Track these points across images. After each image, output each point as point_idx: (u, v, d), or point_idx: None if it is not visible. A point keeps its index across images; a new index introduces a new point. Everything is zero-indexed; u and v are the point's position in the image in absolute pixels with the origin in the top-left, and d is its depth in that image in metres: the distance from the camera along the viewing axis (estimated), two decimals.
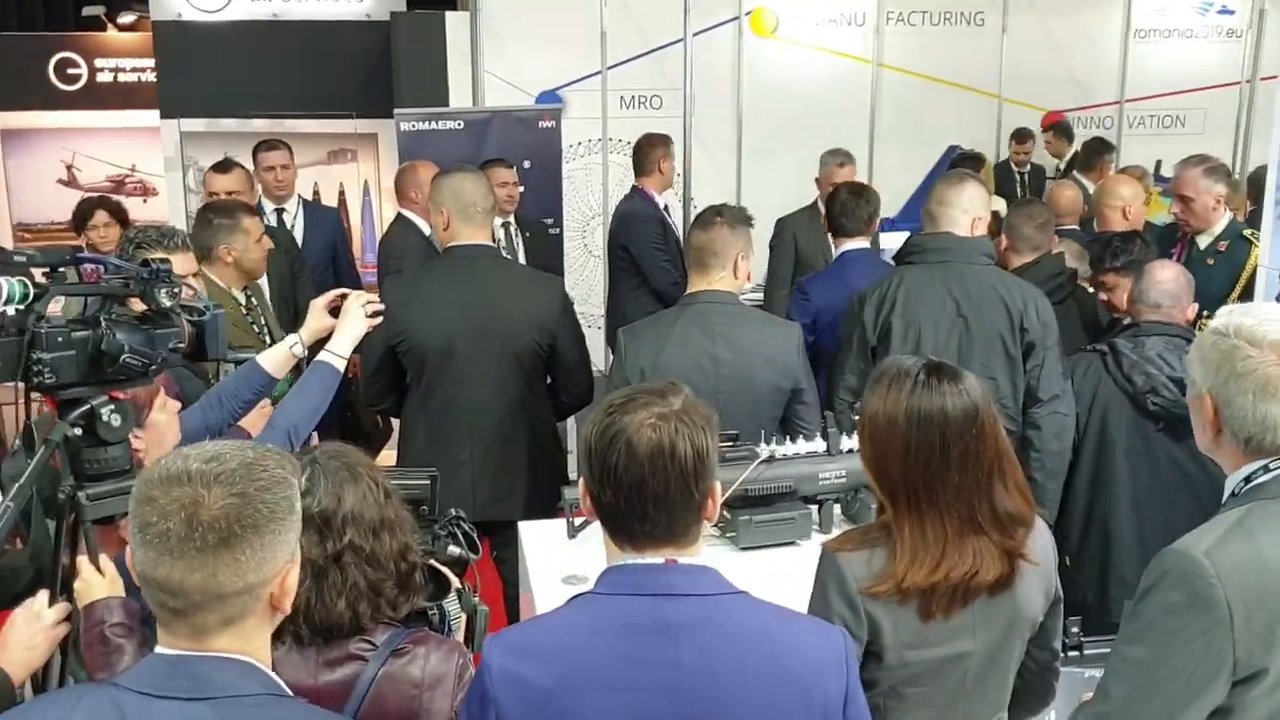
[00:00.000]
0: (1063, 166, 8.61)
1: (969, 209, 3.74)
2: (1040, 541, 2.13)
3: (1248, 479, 1.88)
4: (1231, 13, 9.02)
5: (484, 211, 3.86)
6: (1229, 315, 1.92)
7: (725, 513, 3.13)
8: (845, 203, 4.67)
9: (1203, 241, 4.56)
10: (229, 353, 3.52)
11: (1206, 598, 1.74)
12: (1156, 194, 7.25)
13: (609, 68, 8.58)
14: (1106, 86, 9.11)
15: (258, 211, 4.44)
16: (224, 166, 5.28)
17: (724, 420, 3.20)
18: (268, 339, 4.18)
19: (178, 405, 2.57)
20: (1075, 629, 2.80)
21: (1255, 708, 1.79)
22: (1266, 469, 1.86)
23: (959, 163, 7.36)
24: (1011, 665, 2.15)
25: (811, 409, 3.46)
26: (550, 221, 6.36)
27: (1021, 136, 8.67)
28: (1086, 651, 2.74)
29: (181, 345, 2.26)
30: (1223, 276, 4.43)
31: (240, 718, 1.42)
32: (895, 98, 8.79)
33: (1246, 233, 4.45)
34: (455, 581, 2.20)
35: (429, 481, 2.33)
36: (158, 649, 1.46)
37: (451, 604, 2.15)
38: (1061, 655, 2.61)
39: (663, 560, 1.68)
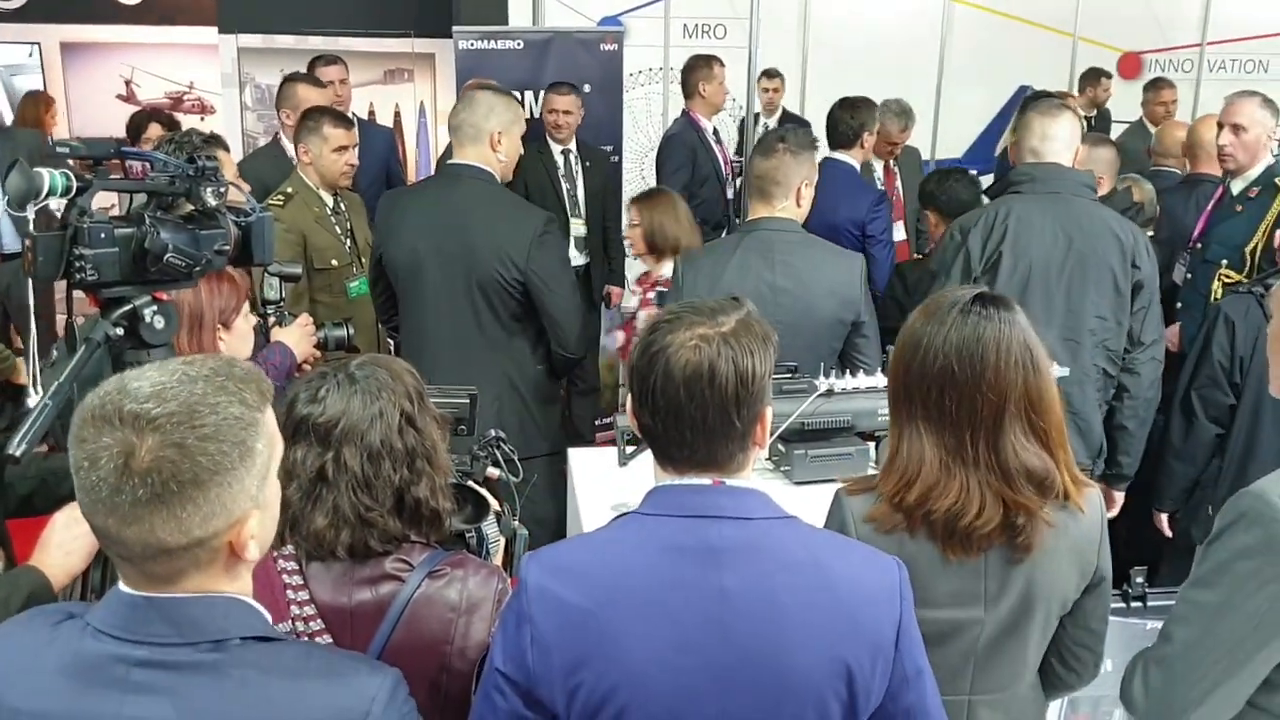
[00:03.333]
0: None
1: (1070, 141, 3.54)
2: (1087, 517, 1.98)
3: None
4: None
5: (475, 131, 3.68)
6: None
7: (780, 446, 3.05)
8: (835, 115, 5.03)
9: (1236, 187, 4.33)
10: (276, 266, 3.55)
11: None
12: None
13: None
14: (1188, 27, 8.78)
15: (350, 124, 4.39)
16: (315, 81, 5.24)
17: (783, 352, 3.18)
18: (348, 245, 4.31)
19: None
20: (1140, 579, 2.71)
21: None
22: None
23: (1030, 103, 7.09)
24: (1031, 640, 2.02)
25: (871, 343, 3.35)
26: (610, 149, 6.23)
27: (1094, 77, 8.35)
28: (1150, 603, 2.65)
29: (227, 247, 2.19)
30: (1246, 223, 4.22)
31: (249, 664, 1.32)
32: (966, 34, 8.53)
33: (1279, 179, 4.22)
34: (495, 504, 2.13)
35: (468, 400, 2.25)
36: (120, 585, 1.35)
37: (490, 527, 2.09)
38: (1123, 608, 2.53)
39: (709, 481, 1.59)
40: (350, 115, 5.67)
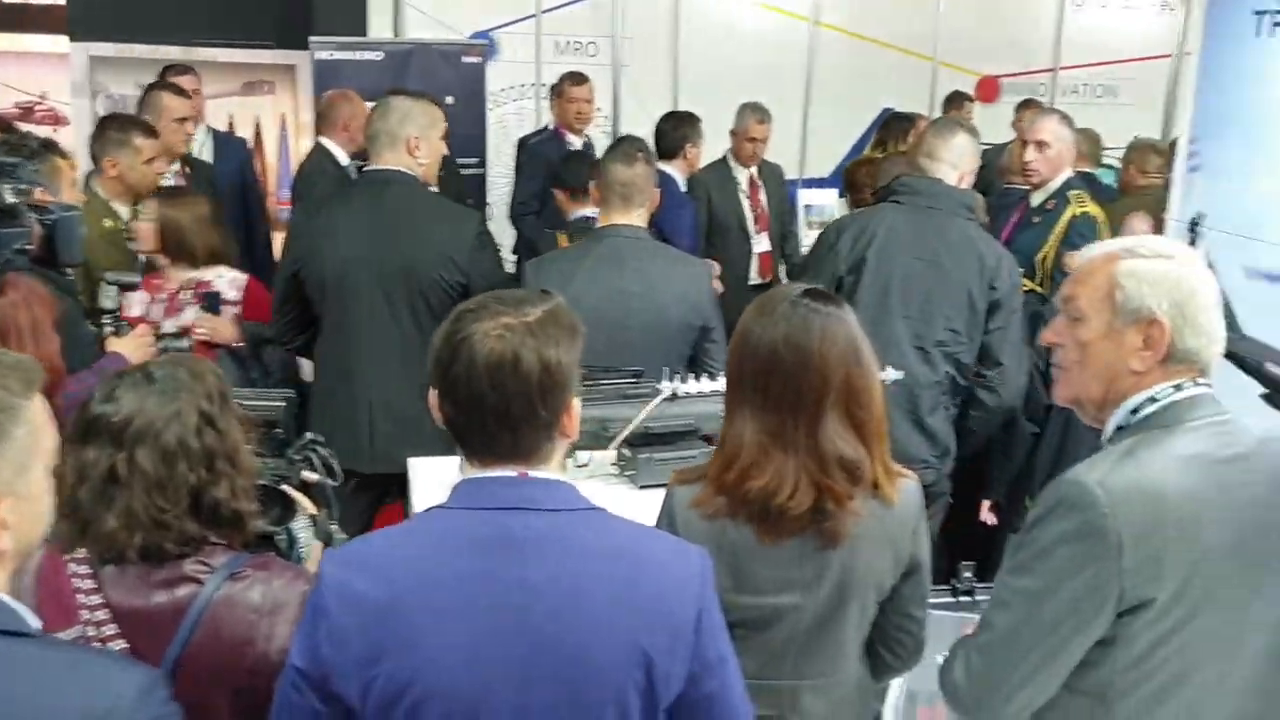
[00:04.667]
0: None
1: (958, 164, 3.69)
2: (902, 503, 2.06)
3: (1134, 410, 1.83)
4: None
5: (390, 138, 3.62)
6: (1127, 242, 1.88)
7: (625, 450, 3.05)
8: (660, 127, 5.42)
9: (1035, 200, 4.48)
10: (114, 274, 3.41)
11: (1098, 528, 1.70)
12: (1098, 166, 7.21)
13: (544, 11, 8.44)
14: (1042, 52, 9.09)
15: (154, 134, 4.22)
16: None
17: (633, 356, 3.22)
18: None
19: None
20: (968, 574, 2.78)
21: (1138, 639, 1.74)
22: (1153, 399, 1.82)
23: (890, 123, 7.28)
24: (849, 626, 2.08)
25: (720, 347, 3.38)
26: (476, 161, 6.19)
27: (957, 100, 8.59)
28: (979, 598, 2.71)
29: (29, 246, 2.10)
30: (1040, 234, 4.36)
31: None
32: (831, 57, 8.69)
33: (1072, 193, 4.38)
34: (309, 506, 2.08)
35: (283, 403, 2.20)
36: None
37: (304, 530, 2.03)
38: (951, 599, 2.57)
39: (515, 473, 1.57)
40: (206, 127, 5.57)
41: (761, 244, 6.00)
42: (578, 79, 6.25)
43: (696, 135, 5.52)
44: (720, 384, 3.07)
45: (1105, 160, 7.18)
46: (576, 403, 1.64)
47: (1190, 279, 1.81)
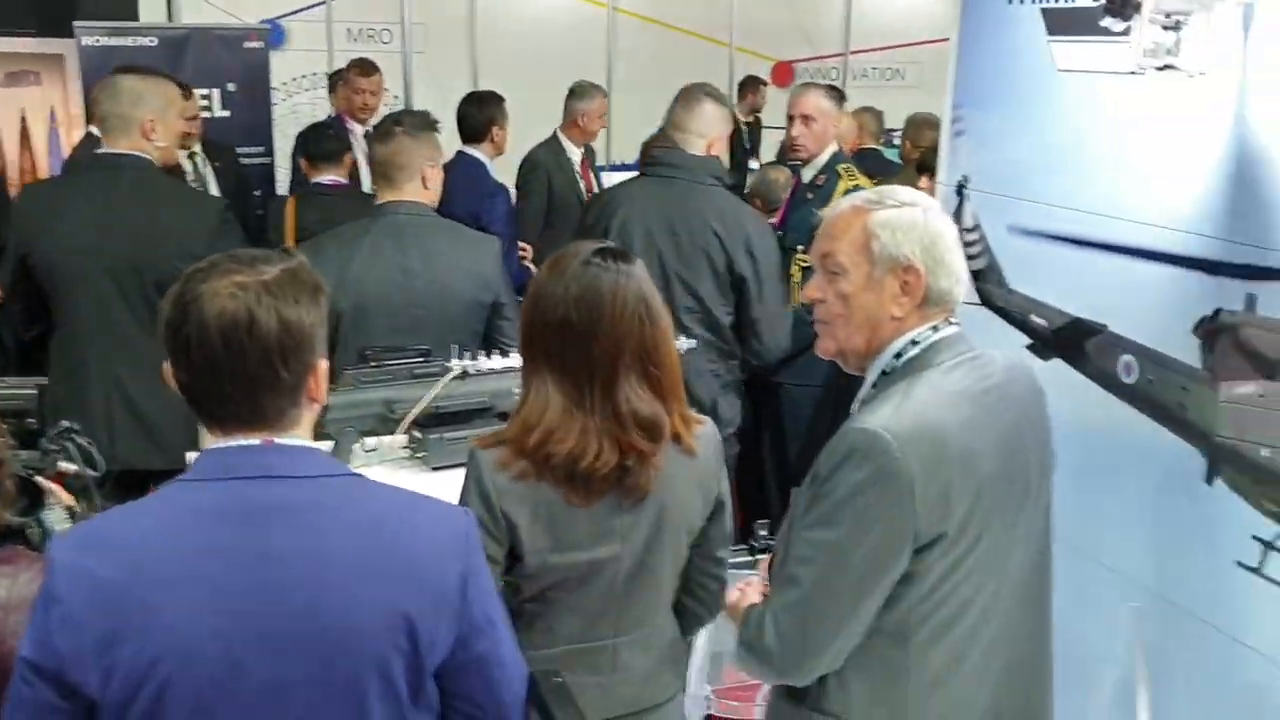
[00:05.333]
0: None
1: (705, 132, 3.75)
2: (703, 448, 2.09)
3: (898, 355, 1.89)
4: None
5: (123, 122, 3.42)
6: (869, 194, 1.94)
7: (416, 432, 2.97)
8: (463, 110, 5.21)
9: (807, 175, 4.59)
10: None
11: (892, 471, 1.74)
12: (882, 144, 7.47)
13: None
14: (832, 39, 9.39)
15: None
16: None
17: (421, 336, 3.14)
18: None
19: None
20: (764, 532, 2.82)
21: (931, 572, 1.80)
22: (914, 343, 1.88)
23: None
24: (665, 572, 2.10)
25: (514, 324, 3.34)
26: (261, 150, 5.97)
27: (752, 84, 8.79)
28: None
29: None
30: (813, 210, 4.42)
31: None
32: (631, 43, 8.78)
33: (841, 167, 4.52)
34: (65, 498, 1.95)
35: (36, 391, 2.06)
36: None
37: (62, 523, 1.90)
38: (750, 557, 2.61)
39: (259, 441, 1.50)
40: None
41: None
42: (366, 68, 6.09)
43: (503, 116, 5.34)
44: (513, 360, 3.03)
45: (895, 142, 7.47)
46: (323, 364, 1.57)
47: (934, 223, 1.89)
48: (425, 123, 3.27)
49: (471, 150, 5.24)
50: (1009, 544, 1.89)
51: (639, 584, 2.06)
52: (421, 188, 3.23)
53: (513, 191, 5.49)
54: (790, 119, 4.52)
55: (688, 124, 3.74)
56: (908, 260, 1.85)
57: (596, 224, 3.70)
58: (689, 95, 3.85)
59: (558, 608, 2.03)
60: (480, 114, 5.25)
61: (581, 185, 5.99)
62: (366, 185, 4.96)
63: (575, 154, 6.00)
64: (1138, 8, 2.13)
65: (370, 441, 2.94)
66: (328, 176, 4.77)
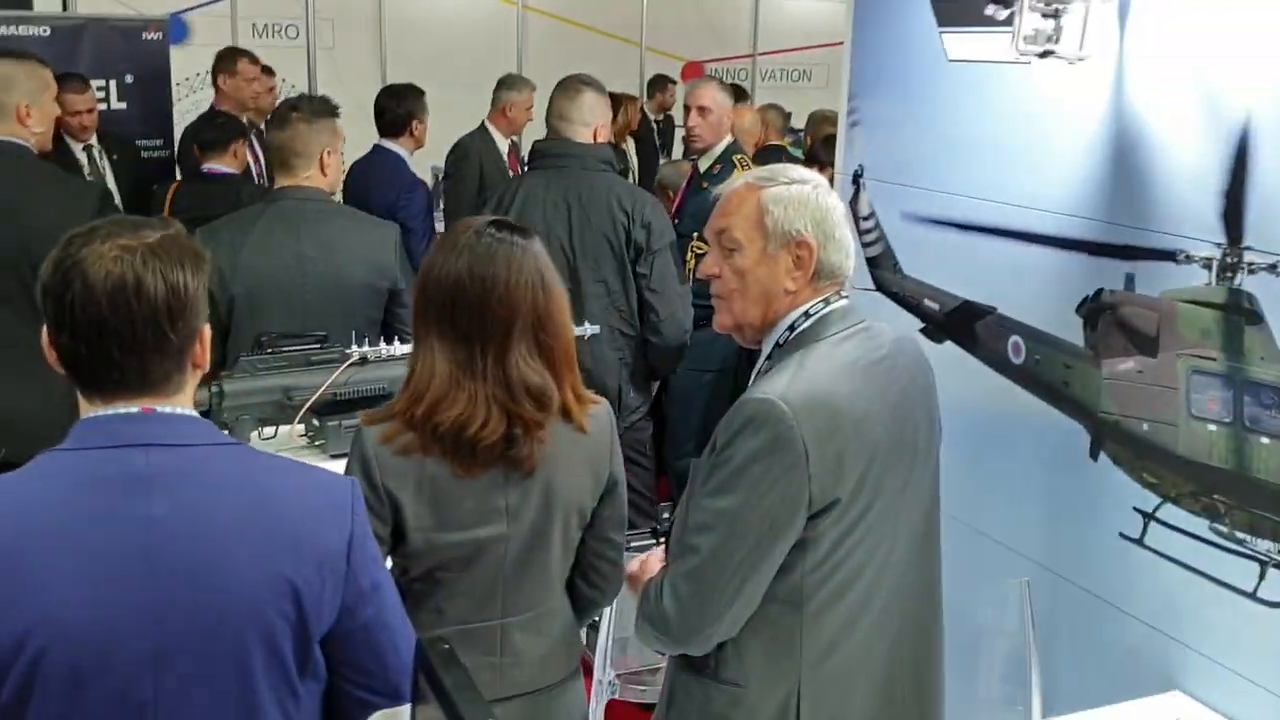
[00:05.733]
0: None
1: (589, 120, 3.84)
2: (595, 426, 2.10)
3: (791, 327, 1.93)
4: None
5: None
6: (761, 172, 1.99)
7: (314, 419, 2.95)
8: (382, 103, 5.17)
9: (703, 164, 4.70)
10: None
11: (787, 439, 1.77)
12: (788, 143, 7.57)
13: None
14: (741, 40, 9.49)
15: None
16: None
17: (316, 322, 3.12)
18: None
19: None
20: (667, 514, 2.83)
21: (824, 538, 1.84)
22: (807, 315, 1.93)
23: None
24: (555, 553, 2.10)
25: (411, 311, 3.33)
26: (160, 143, 5.85)
27: (661, 83, 8.84)
28: None
29: None
30: (709, 198, 4.59)
31: None
32: (541, 42, 8.78)
33: (736, 157, 4.64)
34: None
35: None
36: None
37: None
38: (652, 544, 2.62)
39: (139, 409, 1.48)
40: None
41: None
42: (251, 57, 5.99)
43: (423, 110, 5.28)
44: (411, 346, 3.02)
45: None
46: (207, 330, 1.56)
47: (825, 199, 1.93)
48: (324, 108, 3.24)
49: (389, 144, 5.18)
50: (899, 508, 1.94)
51: (529, 565, 2.06)
52: (320, 174, 3.20)
53: (431, 184, 5.46)
54: (687, 110, 4.67)
55: (571, 114, 3.83)
56: (800, 235, 1.90)
57: (496, 210, 3.71)
58: (569, 86, 3.94)
59: (446, 588, 2.02)
60: (400, 107, 5.18)
61: (510, 174, 5.99)
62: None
63: (503, 143, 6.01)
64: None
65: (268, 430, 2.91)
66: (213, 165, 4.75)
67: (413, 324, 2.05)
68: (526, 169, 3.91)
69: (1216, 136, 2.21)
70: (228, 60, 5.88)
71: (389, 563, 1.96)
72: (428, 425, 1.94)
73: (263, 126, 5.97)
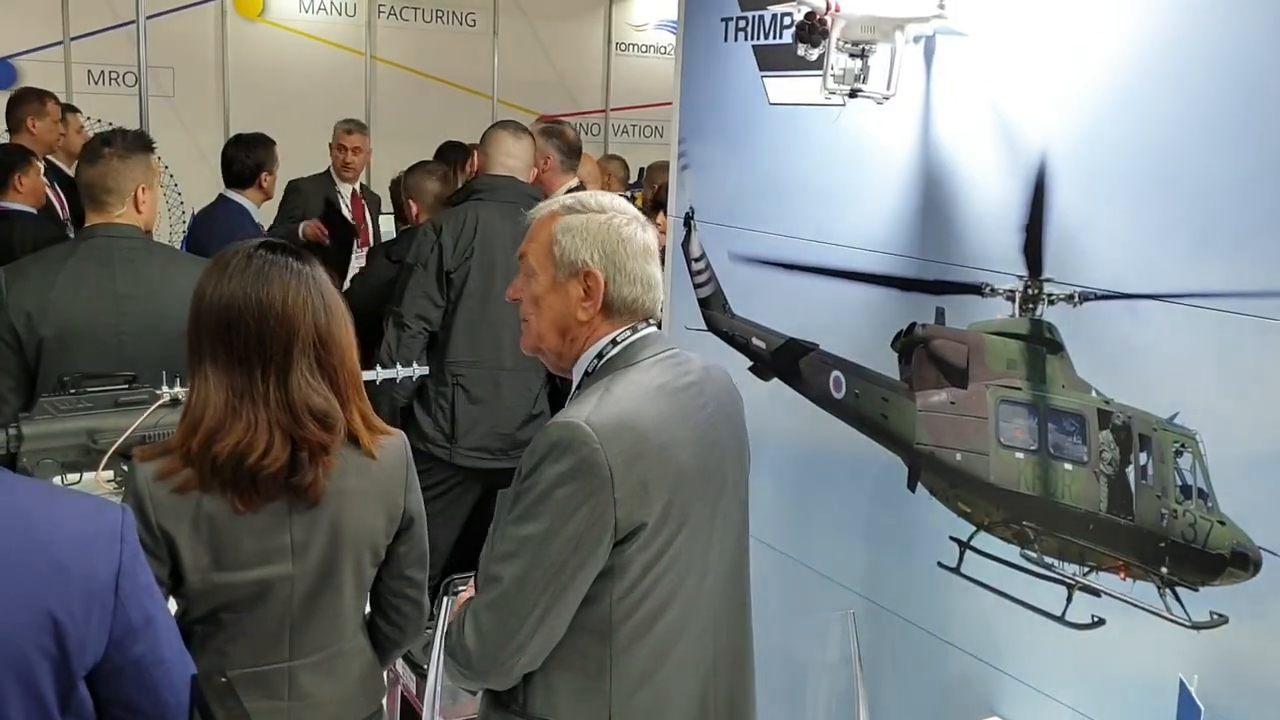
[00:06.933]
0: None
1: (529, 161, 4.23)
2: (387, 458, 2.04)
3: (600, 355, 1.92)
4: None
5: None
6: (568, 200, 1.98)
7: (123, 464, 2.80)
8: (230, 153, 5.14)
9: None
10: None
11: (592, 462, 1.75)
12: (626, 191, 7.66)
13: (73, 38, 7.86)
14: (593, 95, 9.59)
15: None
16: None
17: (132, 364, 2.98)
18: None
19: None
20: None
21: (631, 565, 1.81)
22: (614, 343, 1.92)
23: (446, 150, 7.36)
24: (346, 591, 2.02)
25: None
26: None
27: None
28: None
29: None
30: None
31: None
32: (390, 92, 8.72)
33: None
34: None
35: None
36: None
37: None
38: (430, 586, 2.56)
39: None
40: None
41: (363, 259, 5.90)
42: (55, 98, 5.86)
43: (273, 161, 5.20)
44: None
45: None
46: None
47: (620, 230, 1.91)
48: (139, 143, 3.13)
49: (235, 195, 5.07)
50: (708, 536, 1.93)
51: (318, 605, 1.98)
52: (134, 211, 3.07)
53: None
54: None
55: (519, 152, 4.14)
56: (585, 265, 1.89)
57: (455, 244, 3.92)
58: (516, 129, 4.27)
59: (229, 630, 1.93)
60: (249, 158, 5.07)
61: (351, 219, 6.05)
62: None
63: (345, 188, 6.08)
64: (824, 35, 2.26)
65: (71, 475, 2.76)
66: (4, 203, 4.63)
67: (186, 354, 1.96)
68: (473, 199, 4.05)
69: (1015, 173, 2.30)
70: (34, 102, 5.67)
71: (171, 603, 1.86)
72: (205, 458, 1.85)
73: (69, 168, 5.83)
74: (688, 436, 1.88)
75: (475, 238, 3.89)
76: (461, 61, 8.95)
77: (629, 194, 6.96)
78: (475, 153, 4.82)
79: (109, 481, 2.84)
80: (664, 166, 5.95)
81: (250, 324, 1.87)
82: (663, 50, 9.70)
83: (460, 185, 5.34)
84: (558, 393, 4.39)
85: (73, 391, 2.71)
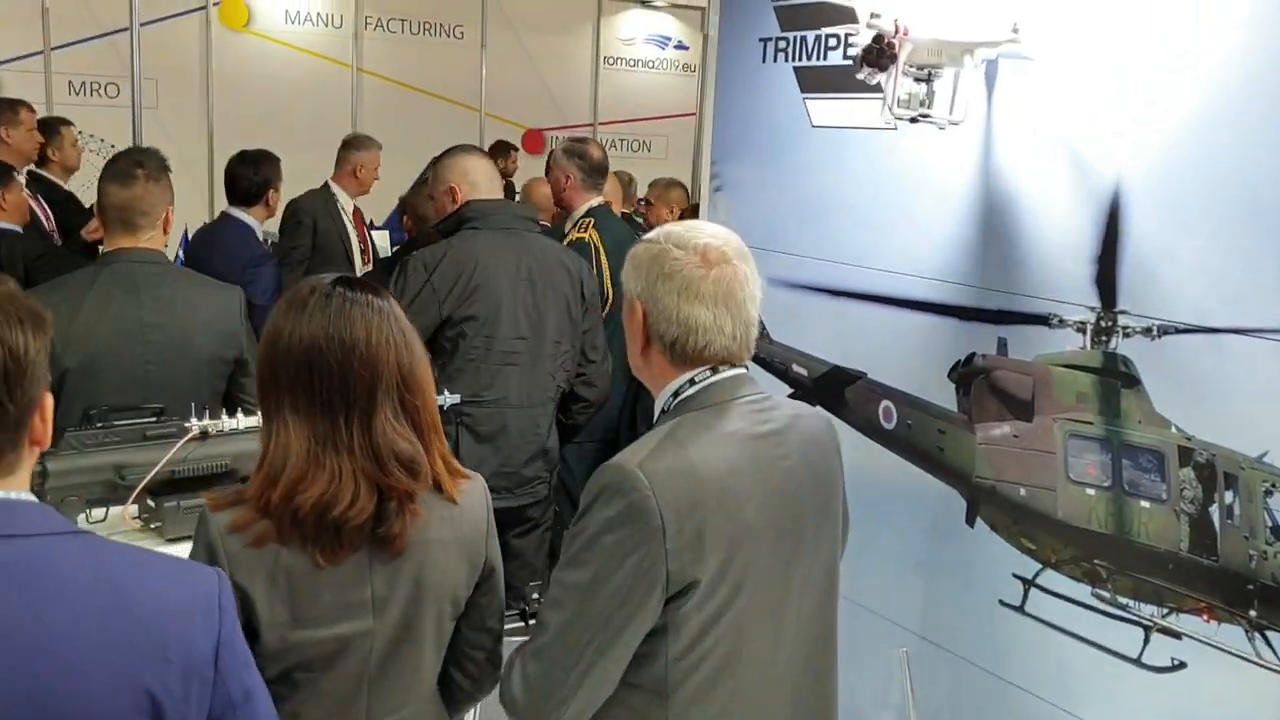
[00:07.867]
0: None
1: (495, 180, 3.81)
2: (469, 504, 1.91)
3: (676, 393, 1.82)
4: (686, 48, 9.80)
5: None
6: (666, 231, 1.87)
7: (150, 500, 2.69)
8: (235, 171, 4.88)
9: (566, 227, 4.72)
10: None
11: (643, 509, 1.65)
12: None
13: (54, 48, 7.71)
14: (581, 109, 9.53)
15: None
16: None
17: (157, 394, 2.86)
18: None
19: None
20: (536, 595, 2.67)
21: (688, 623, 1.70)
22: (692, 382, 1.81)
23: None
24: (426, 646, 1.90)
25: (255, 381, 3.11)
26: None
27: (504, 149, 8.77)
28: None
29: None
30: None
31: None
32: (377, 104, 8.62)
33: (583, 219, 4.66)
34: None
35: None
36: None
37: None
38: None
39: None
40: None
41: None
42: (30, 107, 5.63)
43: (278, 178, 4.98)
44: (259, 419, 2.81)
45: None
46: (49, 400, 1.37)
47: (664, 264, 1.78)
48: (163, 163, 3.02)
49: (239, 213, 4.88)
50: (780, 598, 1.81)
51: (396, 663, 1.86)
52: (160, 234, 2.97)
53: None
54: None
55: (492, 174, 3.79)
56: (633, 297, 1.82)
57: (454, 284, 3.45)
58: (473, 150, 3.89)
59: (304, 691, 1.80)
60: (256, 176, 4.87)
61: (353, 236, 5.79)
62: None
63: (348, 203, 5.79)
64: (894, 59, 2.20)
65: (97, 512, 2.65)
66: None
67: (259, 398, 1.83)
68: (465, 228, 3.57)
69: (1086, 202, 2.25)
70: (6, 111, 5.51)
71: None
72: (286, 510, 1.72)
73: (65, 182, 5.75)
74: (758, 488, 1.76)
75: (474, 275, 3.47)
76: (449, 74, 8.87)
77: (636, 211, 6.89)
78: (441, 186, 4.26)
79: (135, 518, 2.74)
80: (673, 184, 5.90)
81: (334, 366, 1.74)
82: (651, 65, 9.66)
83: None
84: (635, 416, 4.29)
85: (99, 425, 2.60)
